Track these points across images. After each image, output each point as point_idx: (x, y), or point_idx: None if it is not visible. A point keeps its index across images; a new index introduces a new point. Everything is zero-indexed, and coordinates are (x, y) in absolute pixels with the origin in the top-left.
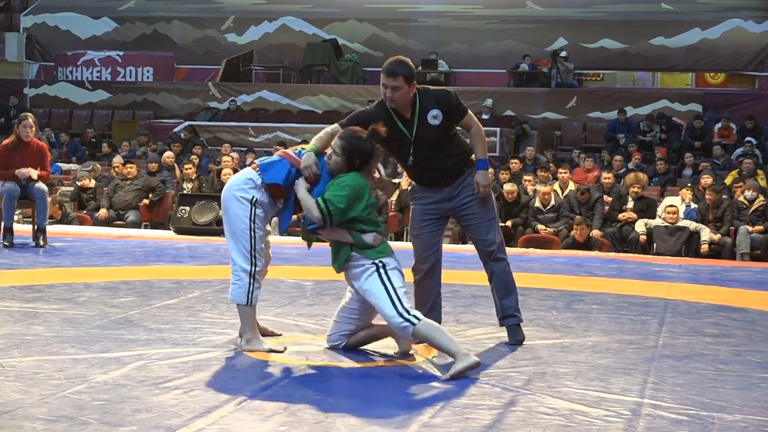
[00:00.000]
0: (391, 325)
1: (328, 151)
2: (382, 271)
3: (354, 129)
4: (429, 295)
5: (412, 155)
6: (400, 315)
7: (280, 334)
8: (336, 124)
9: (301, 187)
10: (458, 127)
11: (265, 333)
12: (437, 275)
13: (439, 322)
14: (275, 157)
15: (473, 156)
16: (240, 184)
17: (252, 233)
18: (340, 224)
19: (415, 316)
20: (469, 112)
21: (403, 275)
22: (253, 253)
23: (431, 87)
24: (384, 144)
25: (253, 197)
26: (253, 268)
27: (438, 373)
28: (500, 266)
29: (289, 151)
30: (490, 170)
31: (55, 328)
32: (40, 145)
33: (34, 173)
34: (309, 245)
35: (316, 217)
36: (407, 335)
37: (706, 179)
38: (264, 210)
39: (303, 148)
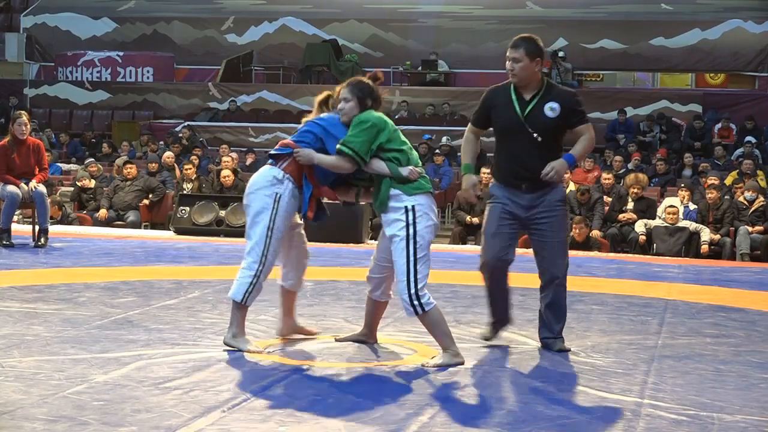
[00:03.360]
0: (401, 300)
1: (340, 105)
2: (411, 230)
3: (357, 78)
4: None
5: (512, 137)
6: (411, 297)
7: (319, 333)
8: (470, 125)
9: (315, 154)
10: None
11: (302, 332)
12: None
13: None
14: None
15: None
16: (263, 182)
17: (269, 232)
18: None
19: (424, 304)
20: (590, 124)
21: (435, 224)
22: (265, 252)
23: (564, 86)
24: (495, 122)
25: (277, 194)
26: (260, 267)
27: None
28: (559, 292)
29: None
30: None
31: (55, 328)
32: (37, 143)
33: (33, 185)
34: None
35: (347, 166)
36: (409, 315)
37: (710, 179)
38: (287, 207)
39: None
